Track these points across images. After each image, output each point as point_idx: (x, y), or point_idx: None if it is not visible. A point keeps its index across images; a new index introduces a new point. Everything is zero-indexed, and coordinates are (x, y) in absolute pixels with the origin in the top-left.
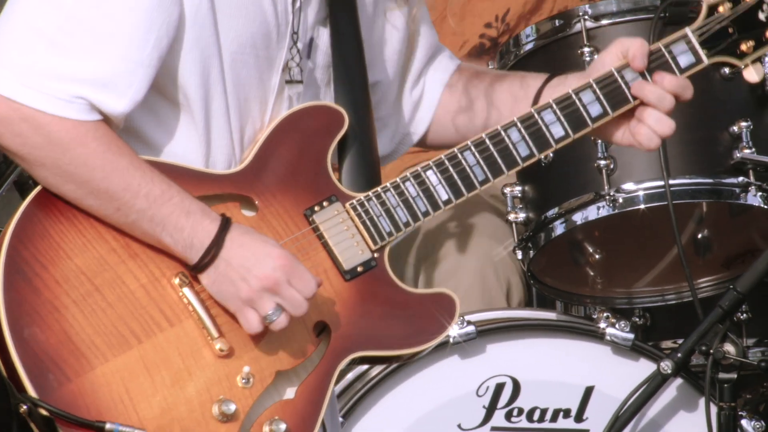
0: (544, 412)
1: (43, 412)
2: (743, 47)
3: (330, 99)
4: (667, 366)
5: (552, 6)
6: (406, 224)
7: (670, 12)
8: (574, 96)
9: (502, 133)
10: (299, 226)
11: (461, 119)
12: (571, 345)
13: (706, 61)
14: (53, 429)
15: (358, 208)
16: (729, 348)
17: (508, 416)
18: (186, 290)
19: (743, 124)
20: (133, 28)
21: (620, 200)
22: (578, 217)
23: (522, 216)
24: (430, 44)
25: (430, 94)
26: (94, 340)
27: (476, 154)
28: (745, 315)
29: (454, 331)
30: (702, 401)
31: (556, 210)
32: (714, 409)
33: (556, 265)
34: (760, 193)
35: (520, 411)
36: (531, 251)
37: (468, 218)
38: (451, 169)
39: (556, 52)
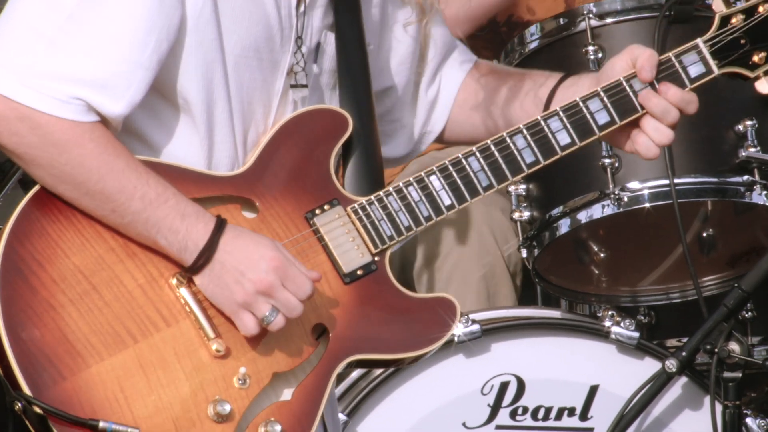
0: (548, 410)
1: (37, 410)
2: (755, 58)
3: (335, 103)
4: (672, 364)
5: None
6: (408, 229)
7: (675, 11)
8: (581, 104)
9: (508, 139)
10: (300, 228)
11: (478, 115)
12: (575, 343)
13: (716, 71)
14: (47, 427)
15: (360, 211)
16: (734, 346)
17: (513, 415)
18: (183, 290)
19: (748, 122)
20: (132, 31)
21: (625, 199)
22: (583, 216)
23: (527, 214)
24: (443, 42)
25: (446, 92)
26: (90, 339)
27: (481, 160)
28: (750, 313)
29: (459, 329)
30: (707, 400)
31: (560, 208)
32: (719, 408)
33: (561, 263)
34: (765, 192)
35: (525, 409)
36: (536, 249)
37: (471, 217)
38: (454, 174)
39: (560, 51)
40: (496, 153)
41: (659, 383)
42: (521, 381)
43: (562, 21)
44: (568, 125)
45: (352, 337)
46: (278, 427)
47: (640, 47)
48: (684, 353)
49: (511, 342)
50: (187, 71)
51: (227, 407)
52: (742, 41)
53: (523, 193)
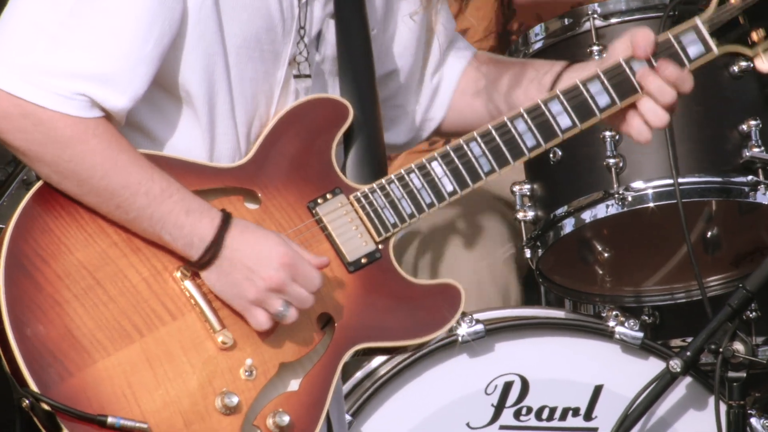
0: (552, 410)
1: (45, 406)
2: (754, 36)
3: (337, 91)
4: (676, 364)
5: None
6: (411, 216)
7: (680, 10)
8: (581, 86)
9: (509, 123)
10: (302, 218)
11: (479, 102)
12: (580, 343)
13: (715, 50)
14: (55, 423)
15: (362, 200)
16: (738, 346)
17: (517, 415)
18: (188, 283)
19: (752, 122)
20: (134, 25)
21: (629, 198)
22: (587, 216)
23: (531, 214)
24: (448, 31)
25: (447, 79)
26: (96, 334)
27: (482, 144)
28: (754, 313)
29: (463, 329)
30: (711, 400)
31: (564, 208)
32: (723, 408)
33: (565, 263)
34: None
35: (529, 410)
36: (540, 249)
37: (469, 220)
38: (456, 160)
39: (565, 51)
40: (497, 137)
41: (663, 383)
42: (525, 381)
43: (566, 21)
44: (569, 108)
45: (358, 326)
46: (286, 418)
47: (637, 28)
48: (688, 353)
49: (515, 342)
50: (189, 64)
51: (235, 399)
52: (741, 20)
53: (528, 193)
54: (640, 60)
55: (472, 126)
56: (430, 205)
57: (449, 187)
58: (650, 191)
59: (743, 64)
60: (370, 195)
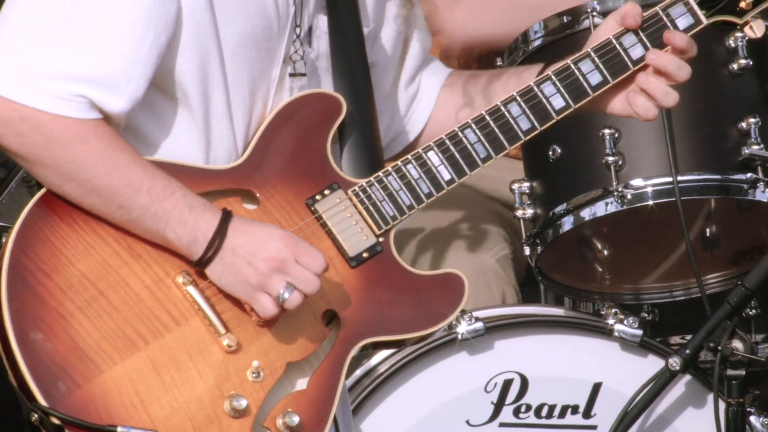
0: (552, 408)
1: (55, 420)
2: (742, 4)
3: (331, 86)
4: (675, 362)
5: None
6: (410, 207)
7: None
8: (573, 66)
9: (502, 108)
10: (302, 216)
11: (461, 117)
12: (579, 341)
13: (704, 21)
14: None
15: (361, 194)
16: (737, 344)
17: (516, 412)
18: (190, 288)
19: (752, 120)
20: (131, 26)
21: (628, 196)
22: (586, 213)
23: (530, 212)
24: (424, 47)
25: (427, 93)
26: (102, 345)
27: (477, 131)
28: (753, 311)
29: (463, 327)
30: (710, 397)
31: (564, 206)
32: (722, 406)
33: (564, 261)
34: None
35: (528, 407)
36: (539, 247)
37: (464, 220)
38: (452, 148)
39: (564, 49)
40: (491, 123)
41: (662, 381)
42: (524, 378)
43: (565, 19)
44: (562, 89)
45: (363, 321)
46: (296, 418)
47: (622, 6)
48: (687, 351)
49: (514, 340)
50: (183, 64)
51: (243, 402)
52: None
53: (527, 191)
54: (629, 35)
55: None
56: (429, 195)
57: (447, 176)
58: (649, 189)
59: (743, 61)
60: (368, 188)
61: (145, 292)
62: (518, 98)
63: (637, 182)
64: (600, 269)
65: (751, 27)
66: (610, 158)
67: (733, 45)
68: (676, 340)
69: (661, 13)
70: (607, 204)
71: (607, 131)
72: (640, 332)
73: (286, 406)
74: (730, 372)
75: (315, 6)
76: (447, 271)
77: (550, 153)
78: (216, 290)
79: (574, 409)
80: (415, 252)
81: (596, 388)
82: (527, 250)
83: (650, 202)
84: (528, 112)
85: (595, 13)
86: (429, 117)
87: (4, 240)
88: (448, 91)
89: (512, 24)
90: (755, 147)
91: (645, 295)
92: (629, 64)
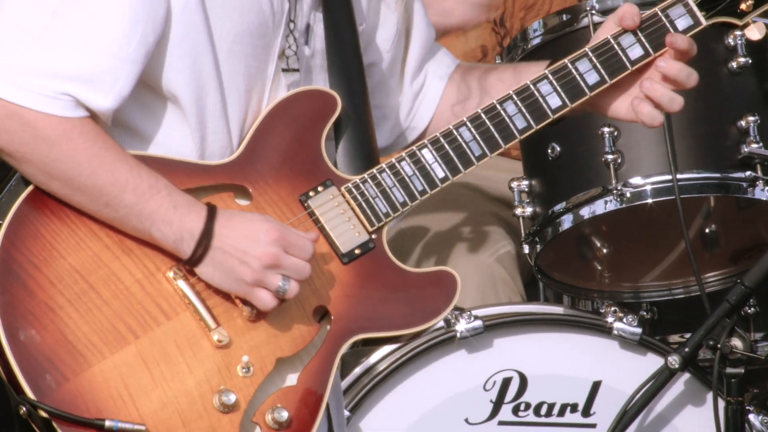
0: (551, 406)
1: (43, 413)
2: (743, 6)
3: (327, 84)
4: (674, 360)
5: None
6: (403, 204)
7: None
8: (570, 65)
9: (498, 107)
10: (295, 212)
11: (458, 112)
12: (578, 339)
13: (704, 22)
14: (53, 429)
15: (354, 190)
16: (736, 342)
17: (515, 411)
18: (181, 283)
19: (751, 118)
20: (118, 24)
21: (628, 195)
22: (585, 212)
23: (529, 210)
24: (426, 39)
25: (432, 89)
26: (91, 338)
27: (472, 129)
28: (752, 309)
29: (462, 325)
30: (709, 396)
31: (563, 204)
32: (721, 404)
33: (564, 259)
34: (767, 188)
35: (527, 405)
36: (538, 245)
37: (464, 219)
38: (446, 146)
39: (563, 47)
40: (487, 121)
41: (662, 379)
42: (524, 377)
43: (565, 17)
44: (558, 88)
45: (355, 317)
46: (285, 414)
47: (622, 5)
48: (686, 349)
49: (513, 338)
50: (173, 64)
51: (232, 397)
52: None
53: (526, 189)
54: (628, 36)
55: None
56: (422, 193)
57: (441, 174)
58: (649, 187)
59: (742, 60)
60: (361, 185)
61: (136, 286)
62: (514, 96)
63: (636, 180)
64: (599, 267)
65: (751, 29)
66: (610, 156)
67: (732, 43)
68: (675, 338)
69: (660, 13)
70: (606, 202)
71: (606, 130)
72: (639, 330)
73: (276, 402)
74: (729, 370)
75: (310, 4)
76: (439, 269)
77: (550, 151)
78: (206, 285)
79: (574, 408)
80: (420, 255)
81: (595, 386)
82: (526, 249)
83: (649, 201)
84: (524, 110)
85: (594, 11)
86: (435, 111)
87: None
88: (449, 87)
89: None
90: (754, 145)
91: (644, 294)
92: (627, 64)
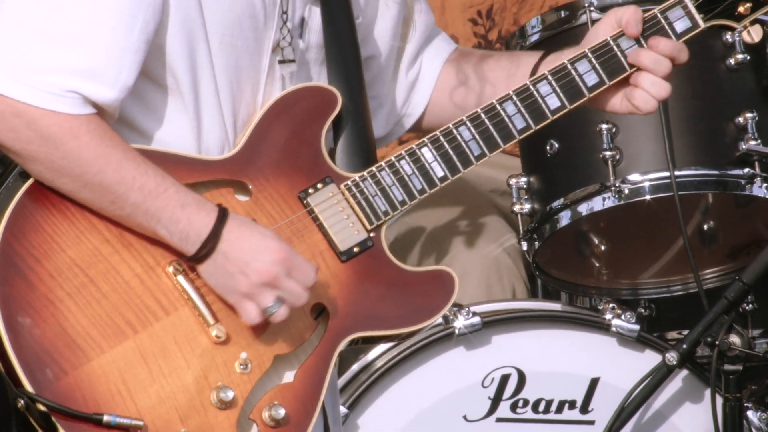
0: (549, 403)
1: (41, 407)
2: (741, 9)
3: (323, 79)
4: (672, 357)
5: None
6: (402, 203)
7: None
8: (569, 66)
9: (498, 107)
10: (294, 209)
11: (456, 97)
12: (576, 336)
13: (702, 25)
14: (51, 423)
15: (353, 188)
16: (734, 339)
17: (514, 407)
18: (180, 278)
19: (749, 115)
20: (118, 14)
21: (626, 191)
22: (584, 208)
23: (527, 207)
24: (426, 26)
25: (427, 76)
26: (90, 332)
27: (472, 129)
28: (750, 306)
29: (460, 322)
30: (707, 392)
31: (561, 201)
32: (719, 401)
33: (562, 256)
34: (765, 185)
35: (526, 402)
36: (536, 242)
37: (472, 219)
38: (446, 145)
39: (561, 44)
40: (486, 121)
41: (660, 376)
42: (522, 374)
43: (563, 14)
44: (558, 89)
45: (352, 315)
46: (282, 411)
47: (623, 8)
48: (684, 346)
49: (511, 334)
50: (173, 51)
51: (230, 393)
52: None
53: (524, 186)
54: (627, 38)
55: (449, 122)
56: (421, 192)
57: (440, 173)
58: (647, 184)
59: (740, 56)
60: (360, 183)
61: (135, 281)
62: (514, 97)
63: (634, 177)
64: (597, 264)
65: (748, 32)
66: (608, 153)
67: (730, 40)
68: (673, 335)
69: (659, 15)
70: (604, 199)
71: (604, 126)
72: (637, 327)
73: (273, 399)
74: (727, 367)
75: None
76: (437, 268)
77: (548, 148)
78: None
79: (572, 404)
80: (417, 246)
81: (593, 383)
82: (524, 245)
83: (647, 197)
84: (523, 111)
85: (592, 8)
86: (430, 97)
87: None
88: (445, 74)
89: None
90: (752, 142)
91: (642, 290)
92: (626, 66)
